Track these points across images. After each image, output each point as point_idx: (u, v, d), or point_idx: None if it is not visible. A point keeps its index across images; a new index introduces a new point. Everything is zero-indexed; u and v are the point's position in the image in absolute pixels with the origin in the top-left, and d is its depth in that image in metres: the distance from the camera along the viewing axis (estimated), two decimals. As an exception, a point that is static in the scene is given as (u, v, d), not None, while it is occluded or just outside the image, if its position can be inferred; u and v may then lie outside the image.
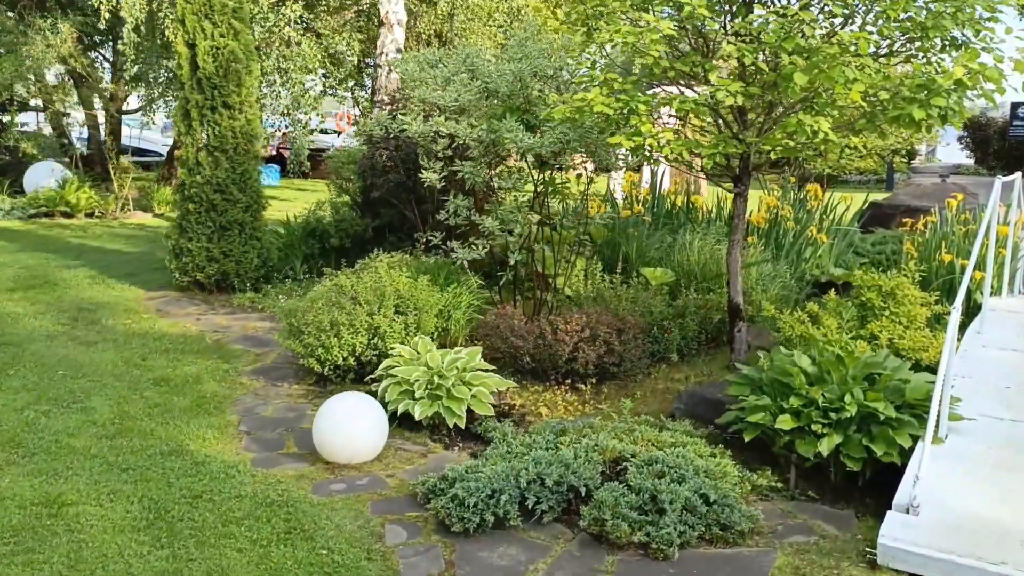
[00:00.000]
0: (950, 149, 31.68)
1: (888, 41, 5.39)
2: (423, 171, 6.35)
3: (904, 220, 9.30)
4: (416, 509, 3.81)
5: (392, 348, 5.19)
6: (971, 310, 6.50)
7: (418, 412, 4.65)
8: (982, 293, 6.59)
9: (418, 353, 5.09)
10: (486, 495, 3.65)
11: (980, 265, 6.82)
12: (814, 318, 5.59)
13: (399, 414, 4.71)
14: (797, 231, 8.37)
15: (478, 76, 6.44)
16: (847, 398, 4.11)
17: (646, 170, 13.13)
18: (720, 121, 5.74)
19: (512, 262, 6.63)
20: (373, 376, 5.16)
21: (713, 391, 5.10)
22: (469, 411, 4.78)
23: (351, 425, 4.23)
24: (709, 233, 8.22)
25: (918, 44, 5.21)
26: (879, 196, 13.04)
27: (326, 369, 5.40)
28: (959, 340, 5.27)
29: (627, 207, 9.59)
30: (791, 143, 5.09)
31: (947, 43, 5.07)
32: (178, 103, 7.94)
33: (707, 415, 4.94)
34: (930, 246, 7.06)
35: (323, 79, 19.78)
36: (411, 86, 6.51)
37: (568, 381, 5.66)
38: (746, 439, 4.29)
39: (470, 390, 4.84)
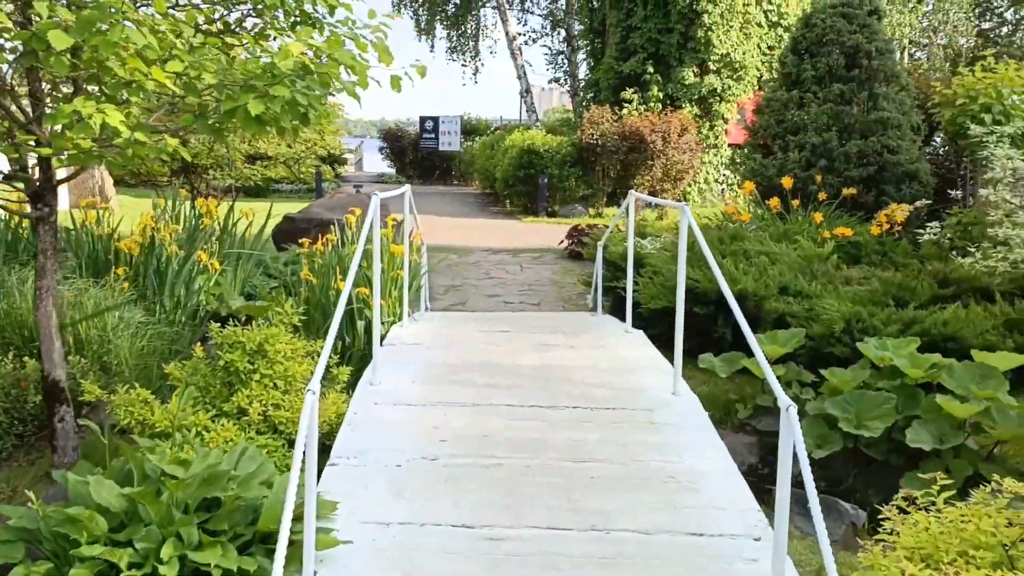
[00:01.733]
0: (375, 158, 33.74)
1: (232, 12, 4.05)
2: None
3: (318, 235, 8.41)
4: None
5: None
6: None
7: None
8: (383, 324, 5.81)
9: None
10: None
11: (386, 289, 6.07)
12: (170, 389, 4.01)
13: None
14: (182, 257, 6.71)
15: None
16: (166, 550, 2.58)
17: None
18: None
19: None
20: None
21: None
22: None
23: None
24: (61, 267, 6.07)
25: (267, 20, 3.98)
26: (302, 206, 12.24)
27: None
28: (349, 398, 4.24)
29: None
30: (88, 144, 3.37)
31: (298, 20, 3.92)
32: None
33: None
34: (328, 270, 6.08)
35: None
36: None
37: None
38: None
39: None
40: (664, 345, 6.30)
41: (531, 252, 11.96)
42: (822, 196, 8.30)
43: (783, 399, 2.65)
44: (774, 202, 8.23)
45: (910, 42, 24.60)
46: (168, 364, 4.60)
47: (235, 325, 4.86)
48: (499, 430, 3.82)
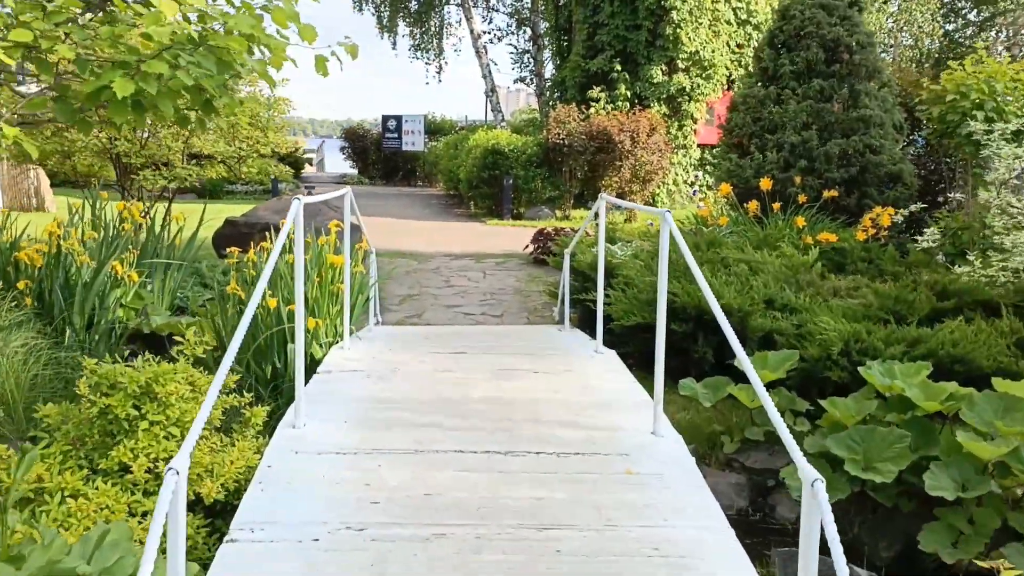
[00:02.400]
0: (337, 159, 32.83)
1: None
2: None
3: (262, 241, 7.66)
4: None
5: None
6: (312, 365, 4.97)
7: None
8: (320, 346, 5.10)
9: None
10: None
11: (324, 307, 5.36)
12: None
13: None
14: (94, 268, 5.92)
15: None
16: None
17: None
18: None
19: None
20: None
21: None
22: None
23: None
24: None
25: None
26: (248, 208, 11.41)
27: None
28: (267, 443, 3.52)
29: None
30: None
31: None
32: None
33: None
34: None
35: None
36: None
37: None
38: None
39: None
40: (639, 366, 5.67)
41: (495, 257, 11.30)
42: (802, 199, 7.74)
43: (806, 470, 2.01)
44: (752, 205, 7.65)
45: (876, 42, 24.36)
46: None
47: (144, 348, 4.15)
48: (445, 486, 3.13)
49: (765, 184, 7.72)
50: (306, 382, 4.53)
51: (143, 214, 7.56)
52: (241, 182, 20.33)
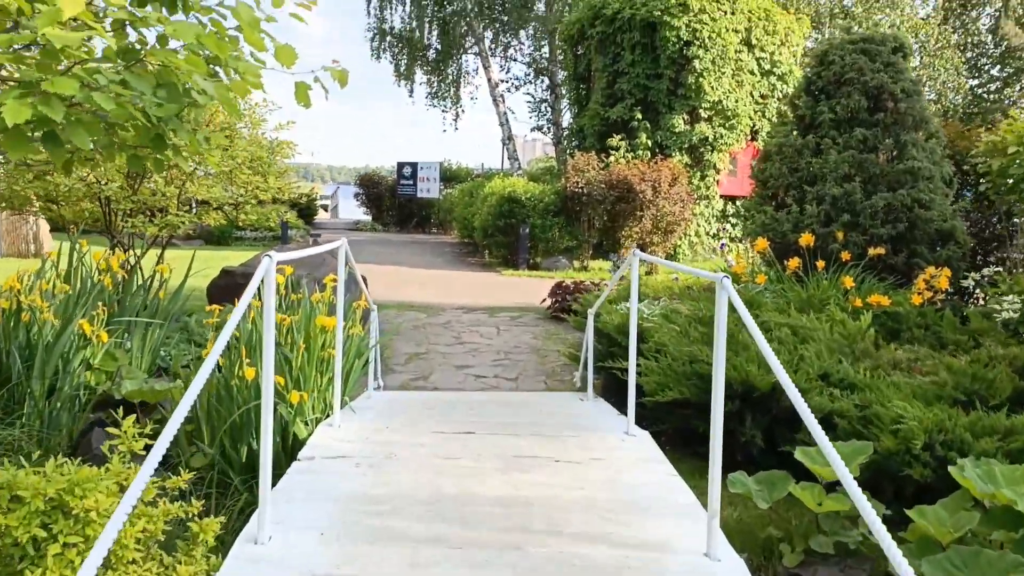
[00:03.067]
0: (351, 205, 32.54)
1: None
2: None
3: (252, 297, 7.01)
4: None
5: None
6: (294, 447, 4.26)
7: None
8: (306, 424, 4.40)
9: None
10: None
11: (310, 378, 4.68)
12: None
13: None
14: (59, 326, 5.28)
15: None
16: None
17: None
18: None
19: None
20: None
21: None
22: None
23: None
24: None
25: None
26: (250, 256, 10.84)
27: None
28: (221, 564, 2.80)
29: None
30: None
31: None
32: None
33: None
34: (238, 347, 4.66)
35: None
36: None
37: None
38: None
39: None
40: (673, 445, 4.95)
41: (510, 311, 10.62)
42: (845, 256, 7.05)
43: None
44: (793, 262, 6.96)
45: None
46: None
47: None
48: (442, 634, 2.40)
49: (806, 239, 7.04)
50: (287, 467, 3.84)
51: (127, 264, 6.96)
52: (250, 228, 19.89)
